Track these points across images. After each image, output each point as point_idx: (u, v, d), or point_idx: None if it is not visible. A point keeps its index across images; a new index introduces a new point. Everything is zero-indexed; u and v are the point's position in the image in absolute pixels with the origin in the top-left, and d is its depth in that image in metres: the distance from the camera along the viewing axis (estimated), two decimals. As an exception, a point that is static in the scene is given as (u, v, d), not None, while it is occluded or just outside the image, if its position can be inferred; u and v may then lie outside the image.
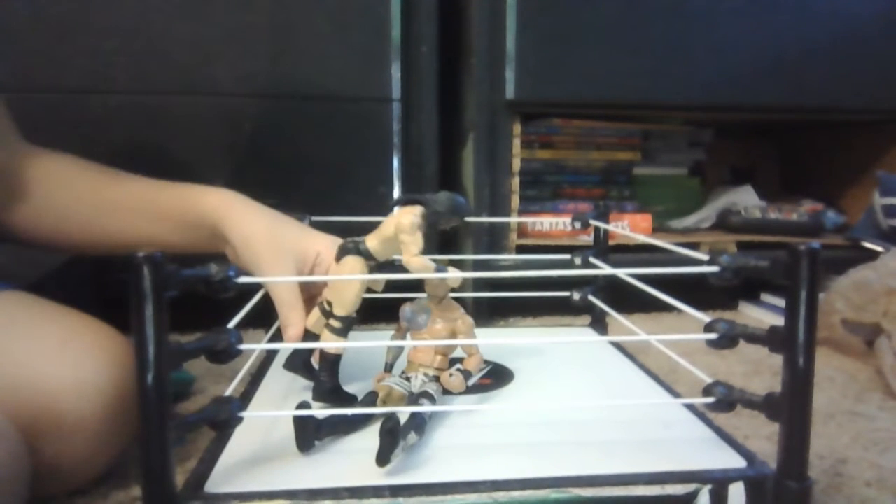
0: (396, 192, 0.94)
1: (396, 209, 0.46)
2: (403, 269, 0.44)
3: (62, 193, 0.58)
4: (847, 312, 0.83)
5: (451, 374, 0.48)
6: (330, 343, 0.46)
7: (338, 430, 0.42)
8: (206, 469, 0.37)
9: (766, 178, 1.44)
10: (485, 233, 0.97)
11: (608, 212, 0.71)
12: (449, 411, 0.46)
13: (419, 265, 0.44)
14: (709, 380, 0.42)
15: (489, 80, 0.94)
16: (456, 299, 0.50)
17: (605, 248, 0.70)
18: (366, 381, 0.51)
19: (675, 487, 0.36)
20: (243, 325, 0.42)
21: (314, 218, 0.69)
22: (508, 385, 0.53)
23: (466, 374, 0.49)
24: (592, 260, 0.67)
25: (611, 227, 0.70)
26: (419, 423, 0.41)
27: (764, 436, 0.57)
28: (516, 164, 0.99)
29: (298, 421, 0.39)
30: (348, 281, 0.45)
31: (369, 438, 0.41)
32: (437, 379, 0.48)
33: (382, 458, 0.36)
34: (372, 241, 0.46)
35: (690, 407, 0.48)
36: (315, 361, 0.50)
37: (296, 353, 0.52)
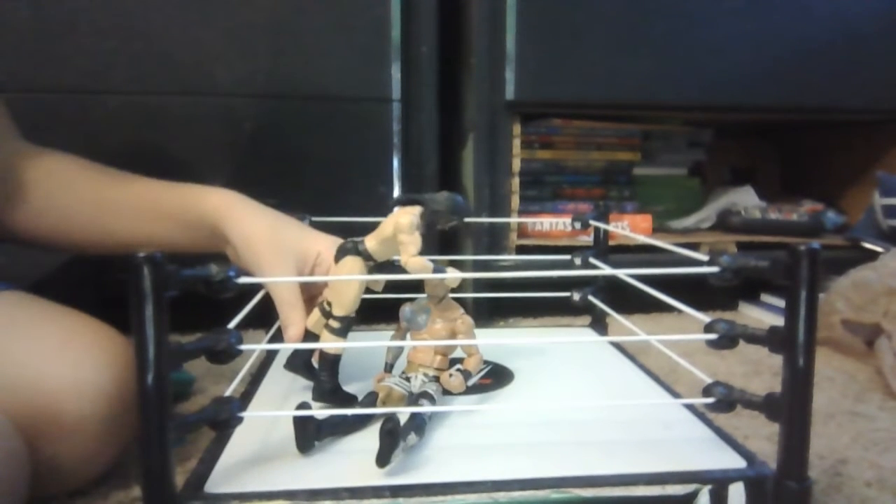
0: (396, 193, 0.94)
1: (396, 209, 0.46)
2: (402, 270, 0.44)
3: (63, 193, 0.58)
4: (847, 312, 0.83)
5: (450, 375, 0.48)
6: (329, 343, 0.46)
7: (338, 430, 0.42)
8: (206, 469, 0.37)
9: (766, 179, 1.44)
10: (485, 233, 0.97)
11: (608, 212, 0.71)
12: (449, 412, 0.46)
13: (418, 265, 0.44)
14: (709, 380, 0.42)
15: (489, 80, 0.94)
16: (456, 299, 0.50)
17: (605, 249, 0.70)
18: (366, 381, 0.51)
19: (675, 488, 0.36)
20: (243, 325, 0.42)
21: (314, 218, 0.69)
22: (508, 385, 0.53)
23: (466, 375, 0.49)
24: (592, 260, 0.67)
25: (611, 227, 0.70)
26: (419, 424, 0.41)
27: (764, 436, 0.57)
28: (516, 164, 0.99)
29: (298, 421, 0.39)
30: (347, 281, 0.45)
31: (369, 439, 0.41)
32: (436, 379, 0.48)
33: (382, 459, 0.36)
34: (371, 242, 0.46)
35: (690, 407, 0.48)
36: (315, 361, 0.50)
37: (296, 353, 0.52)
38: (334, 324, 0.46)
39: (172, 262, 0.32)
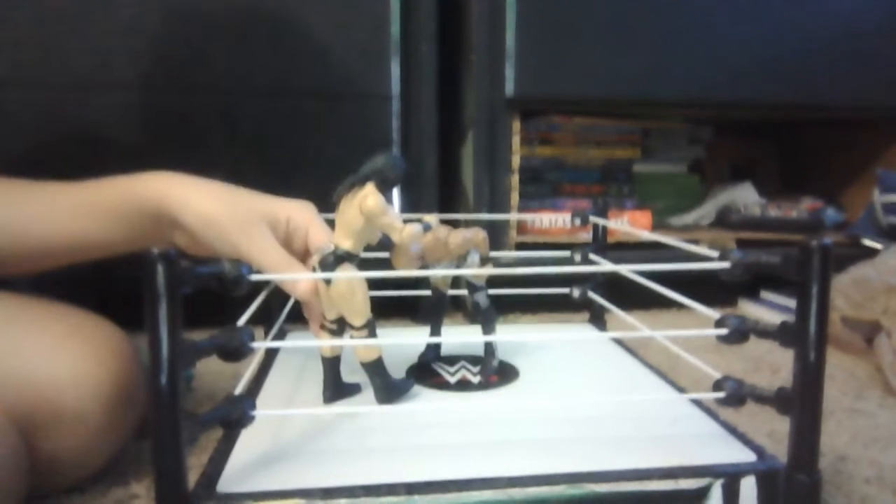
0: (395, 191, 0.93)
1: (345, 198, 0.44)
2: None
3: None
4: (847, 310, 0.83)
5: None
6: (361, 342, 0.45)
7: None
8: (216, 469, 0.37)
9: (766, 176, 1.44)
10: (484, 230, 0.97)
11: (607, 208, 0.71)
12: (461, 408, 0.47)
13: (412, 236, 0.44)
14: (717, 375, 0.42)
15: (489, 76, 0.94)
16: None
17: (604, 245, 0.70)
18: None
19: (687, 482, 0.36)
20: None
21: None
22: (515, 382, 0.53)
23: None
24: (592, 256, 0.67)
25: (610, 223, 0.70)
26: None
27: (764, 433, 0.57)
28: (516, 161, 0.99)
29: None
30: (353, 291, 0.44)
31: (381, 437, 0.42)
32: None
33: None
34: (346, 242, 0.44)
35: (696, 402, 0.48)
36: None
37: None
38: (361, 333, 0.45)
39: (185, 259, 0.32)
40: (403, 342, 0.57)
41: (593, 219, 0.70)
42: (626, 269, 0.49)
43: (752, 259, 0.38)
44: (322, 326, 0.47)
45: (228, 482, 0.36)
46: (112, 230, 0.51)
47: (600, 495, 0.35)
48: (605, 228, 0.70)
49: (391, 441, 0.41)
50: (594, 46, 0.95)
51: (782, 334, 0.37)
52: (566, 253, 0.69)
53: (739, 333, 0.39)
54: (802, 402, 0.36)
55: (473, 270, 0.51)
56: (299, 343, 0.49)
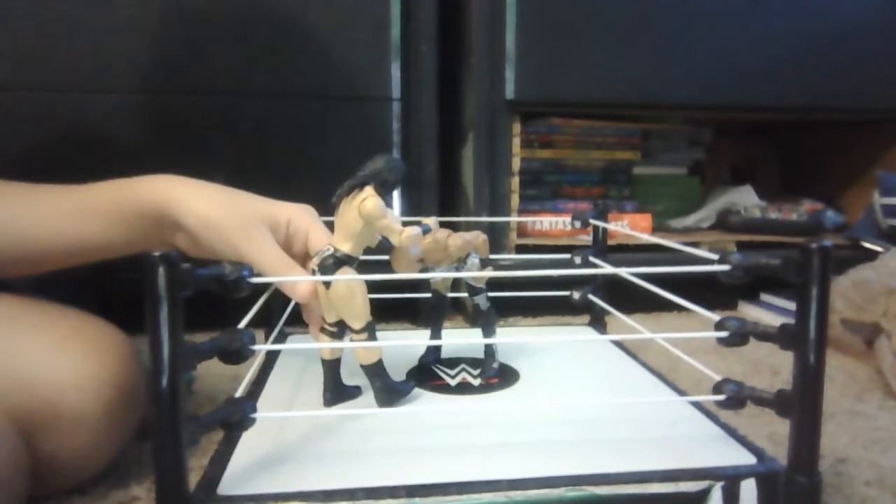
0: (396, 193, 0.93)
1: (345, 201, 0.44)
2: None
3: None
4: (846, 312, 0.83)
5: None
6: (362, 345, 0.45)
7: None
8: (217, 471, 0.37)
9: (766, 178, 1.44)
10: (484, 232, 0.97)
11: (607, 211, 0.71)
12: (461, 410, 0.47)
13: (411, 238, 0.44)
14: (717, 377, 0.42)
15: (489, 79, 0.94)
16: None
17: (604, 248, 0.70)
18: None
19: (687, 484, 0.36)
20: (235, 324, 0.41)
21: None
22: (515, 384, 0.53)
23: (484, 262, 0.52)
24: (593, 259, 0.67)
25: (611, 226, 0.70)
26: None
27: (764, 435, 0.57)
28: (516, 163, 0.99)
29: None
30: (353, 294, 0.44)
31: (382, 439, 0.42)
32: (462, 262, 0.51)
33: None
34: (345, 245, 0.44)
35: (696, 405, 0.48)
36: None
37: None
38: (361, 336, 0.45)
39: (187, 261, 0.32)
40: (404, 344, 0.57)
41: (593, 221, 0.70)
42: (627, 272, 0.49)
43: (752, 261, 0.38)
44: (322, 329, 0.47)
45: (229, 484, 0.36)
46: (113, 232, 0.51)
47: (600, 498, 0.35)
48: (605, 231, 0.70)
49: (392, 443, 0.41)
50: (594, 49, 0.95)
51: (782, 337, 0.37)
52: (566, 255, 0.69)
53: (739, 336, 0.39)
54: (802, 405, 0.36)
55: (473, 273, 0.51)
56: (300, 346, 0.49)
